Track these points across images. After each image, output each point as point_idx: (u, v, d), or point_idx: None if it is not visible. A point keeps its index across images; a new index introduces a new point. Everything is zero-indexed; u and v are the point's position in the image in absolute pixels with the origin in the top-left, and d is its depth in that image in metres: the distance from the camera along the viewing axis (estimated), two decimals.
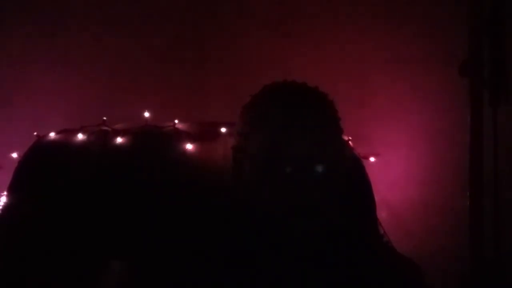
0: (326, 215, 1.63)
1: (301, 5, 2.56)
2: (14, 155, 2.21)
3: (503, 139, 2.44)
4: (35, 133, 2.09)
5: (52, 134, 2.07)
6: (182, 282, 1.60)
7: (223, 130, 2.03)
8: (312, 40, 2.56)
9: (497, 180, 2.42)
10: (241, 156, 1.63)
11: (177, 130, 2.06)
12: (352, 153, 2.11)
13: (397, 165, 2.57)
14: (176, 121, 2.09)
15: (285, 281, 1.58)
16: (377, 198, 2.05)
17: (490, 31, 2.44)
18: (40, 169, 2.00)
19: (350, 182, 1.94)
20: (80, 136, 2.05)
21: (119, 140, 2.03)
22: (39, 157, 2.03)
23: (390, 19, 2.57)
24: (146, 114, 2.17)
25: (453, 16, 2.53)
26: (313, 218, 1.59)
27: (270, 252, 1.60)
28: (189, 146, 2.01)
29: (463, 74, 2.45)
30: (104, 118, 2.10)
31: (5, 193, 2.00)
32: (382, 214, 2.12)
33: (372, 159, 2.51)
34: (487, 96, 2.44)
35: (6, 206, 1.98)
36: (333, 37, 2.57)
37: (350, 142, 2.20)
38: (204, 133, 2.06)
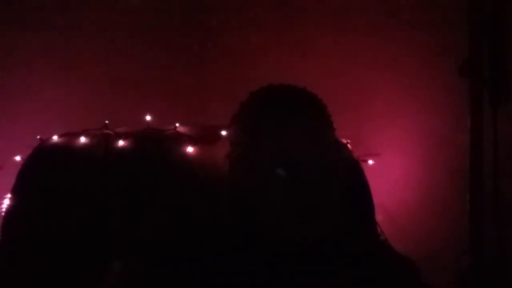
0: (324, 216, 1.63)
1: (300, 10, 2.57)
2: (17, 158, 2.23)
3: (503, 139, 2.45)
4: (38, 136, 2.10)
5: (55, 137, 2.09)
6: (182, 284, 1.61)
7: (224, 133, 2.03)
8: (311, 44, 2.56)
9: (497, 180, 2.42)
10: (239, 165, 1.63)
11: (178, 133, 2.07)
12: (351, 156, 2.10)
13: (396, 167, 2.56)
14: (177, 124, 2.10)
15: (285, 283, 1.60)
16: (376, 200, 2.05)
17: (490, 31, 2.44)
18: (43, 171, 2.02)
19: (348, 184, 1.95)
20: (82, 139, 2.06)
21: (121, 143, 2.04)
22: (42, 159, 2.04)
23: (389, 19, 2.57)
24: (148, 118, 2.19)
25: (453, 16, 2.52)
26: (311, 219, 1.60)
27: (270, 255, 1.61)
28: (190, 149, 2.03)
29: (463, 74, 2.45)
30: (106, 121, 2.11)
31: (8, 195, 2.01)
32: (380, 216, 2.12)
33: (370, 161, 2.48)
34: (487, 96, 2.45)
35: (9, 208, 1.99)
36: (330, 39, 2.57)
37: (348, 145, 2.19)
38: (205, 136, 2.07)
